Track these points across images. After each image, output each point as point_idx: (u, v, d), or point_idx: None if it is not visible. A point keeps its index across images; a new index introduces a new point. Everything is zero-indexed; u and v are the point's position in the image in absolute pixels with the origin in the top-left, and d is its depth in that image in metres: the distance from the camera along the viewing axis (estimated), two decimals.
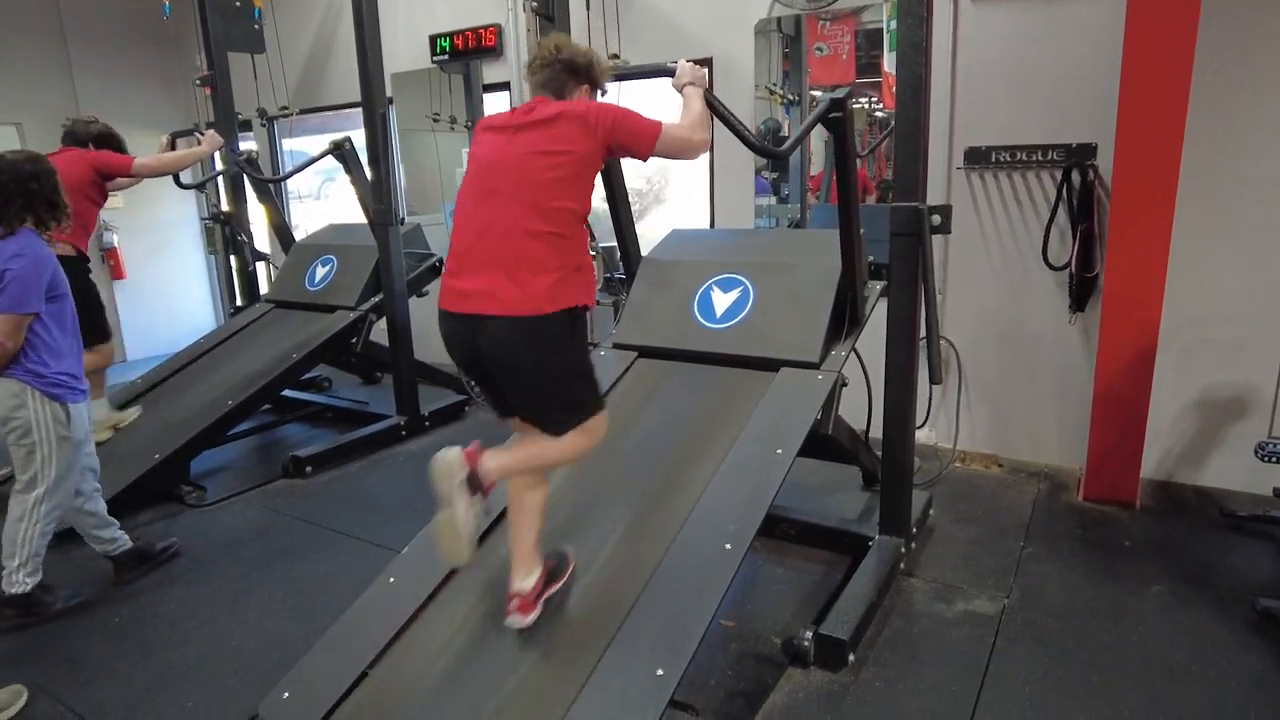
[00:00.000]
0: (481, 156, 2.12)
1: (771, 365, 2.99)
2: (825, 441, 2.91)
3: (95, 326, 3.75)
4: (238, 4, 5.07)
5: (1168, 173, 3.06)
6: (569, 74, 2.15)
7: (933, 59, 3.70)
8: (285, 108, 5.62)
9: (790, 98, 4.74)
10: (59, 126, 4.03)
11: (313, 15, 5.99)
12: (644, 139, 2.08)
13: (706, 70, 2.42)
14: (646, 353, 3.31)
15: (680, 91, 2.34)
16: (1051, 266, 3.70)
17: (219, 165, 5.13)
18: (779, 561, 3.13)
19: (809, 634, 2.45)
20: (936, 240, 3.73)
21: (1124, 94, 3.08)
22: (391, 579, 2.50)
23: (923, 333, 2.80)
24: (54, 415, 2.77)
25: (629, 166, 3.50)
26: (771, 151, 2.53)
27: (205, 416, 4.01)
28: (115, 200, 6.58)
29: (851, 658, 2.43)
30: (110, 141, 3.96)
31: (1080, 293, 3.65)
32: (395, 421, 4.63)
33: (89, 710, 2.39)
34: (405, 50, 5.44)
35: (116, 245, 6.91)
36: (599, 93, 2.27)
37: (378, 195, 4.30)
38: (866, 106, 4.34)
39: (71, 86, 6.41)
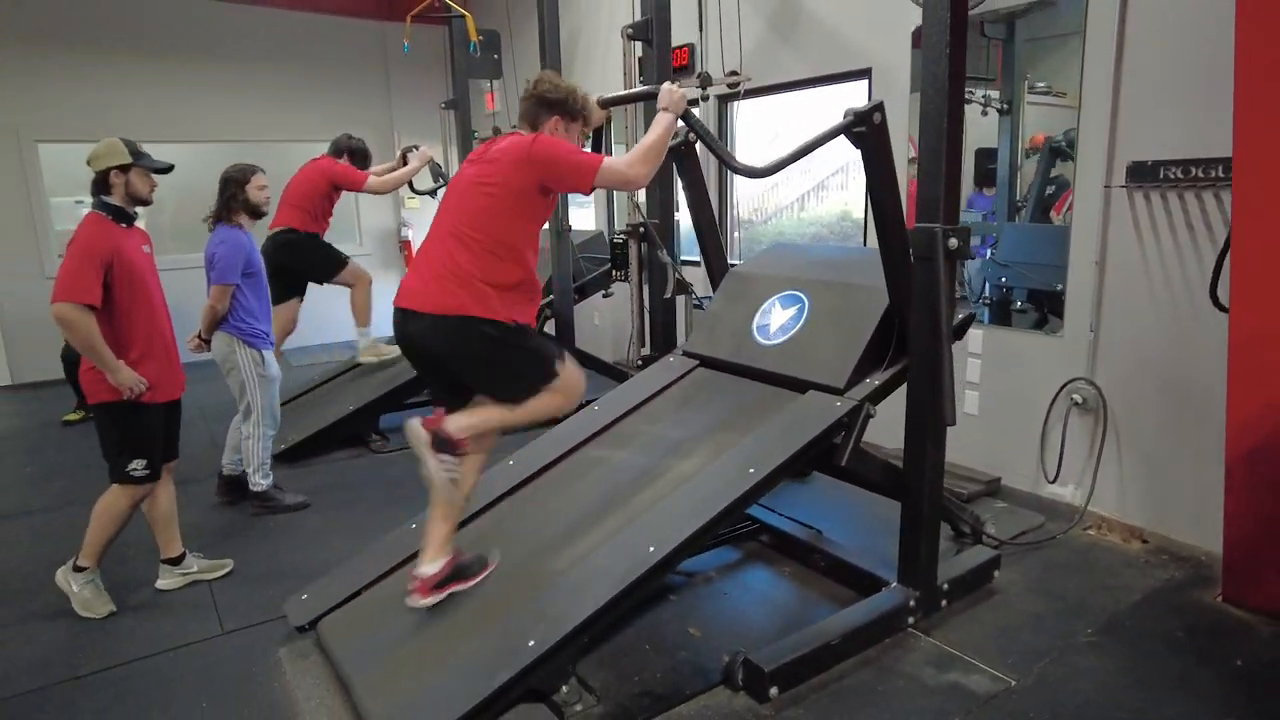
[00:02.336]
0: (453, 182, 2.48)
1: (801, 386, 2.93)
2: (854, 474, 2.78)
3: (335, 265, 4.91)
4: (481, 37, 6.01)
5: None
6: (541, 106, 2.42)
7: (1091, 57, 3.28)
8: (515, 127, 6.46)
9: (1000, 106, 4.36)
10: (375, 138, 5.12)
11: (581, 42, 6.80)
12: (579, 177, 2.29)
13: (685, 93, 2.48)
14: (706, 362, 3.40)
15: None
16: (1221, 307, 2.99)
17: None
18: (797, 589, 3.04)
19: (741, 657, 2.41)
20: (1087, 272, 3.29)
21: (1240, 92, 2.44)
22: (413, 525, 2.97)
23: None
24: (253, 358, 3.74)
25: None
26: (754, 171, 2.47)
27: (393, 381, 4.91)
28: (413, 202, 8.13)
29: (775, 691, 2.33)
30: (357, 155, 5.02)
31: None
32: None
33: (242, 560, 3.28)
34: (614, 74, 5.96)
35: (410, 239, 8.51)
36: (578, 124, 2.48)
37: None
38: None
39: (389, 107, 8.06)
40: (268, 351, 3.81)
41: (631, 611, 2.80)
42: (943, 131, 2.39)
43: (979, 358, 3.99)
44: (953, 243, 2.41)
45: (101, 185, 2.87)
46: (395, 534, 2.94)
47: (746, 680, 2.38)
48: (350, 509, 3.94)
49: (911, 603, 2.69)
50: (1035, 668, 2.49)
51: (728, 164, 2.46)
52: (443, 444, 2.36)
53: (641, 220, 3.49)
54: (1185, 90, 3.06)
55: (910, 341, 2.65)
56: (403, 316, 2.40)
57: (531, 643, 2.17)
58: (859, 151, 2.59)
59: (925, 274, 2.48)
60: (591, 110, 2.47)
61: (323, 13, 7.55)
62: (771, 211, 6.33)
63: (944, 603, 2.80)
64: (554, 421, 2.89)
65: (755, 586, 3.07)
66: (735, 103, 5.24)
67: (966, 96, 4.29)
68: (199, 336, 3.75)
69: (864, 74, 4.33)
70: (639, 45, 3.57)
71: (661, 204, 3.60)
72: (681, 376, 3.38)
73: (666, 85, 2.48)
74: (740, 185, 5.36)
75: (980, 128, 4.17)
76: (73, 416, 5.55)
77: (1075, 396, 3.52)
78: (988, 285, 4.24)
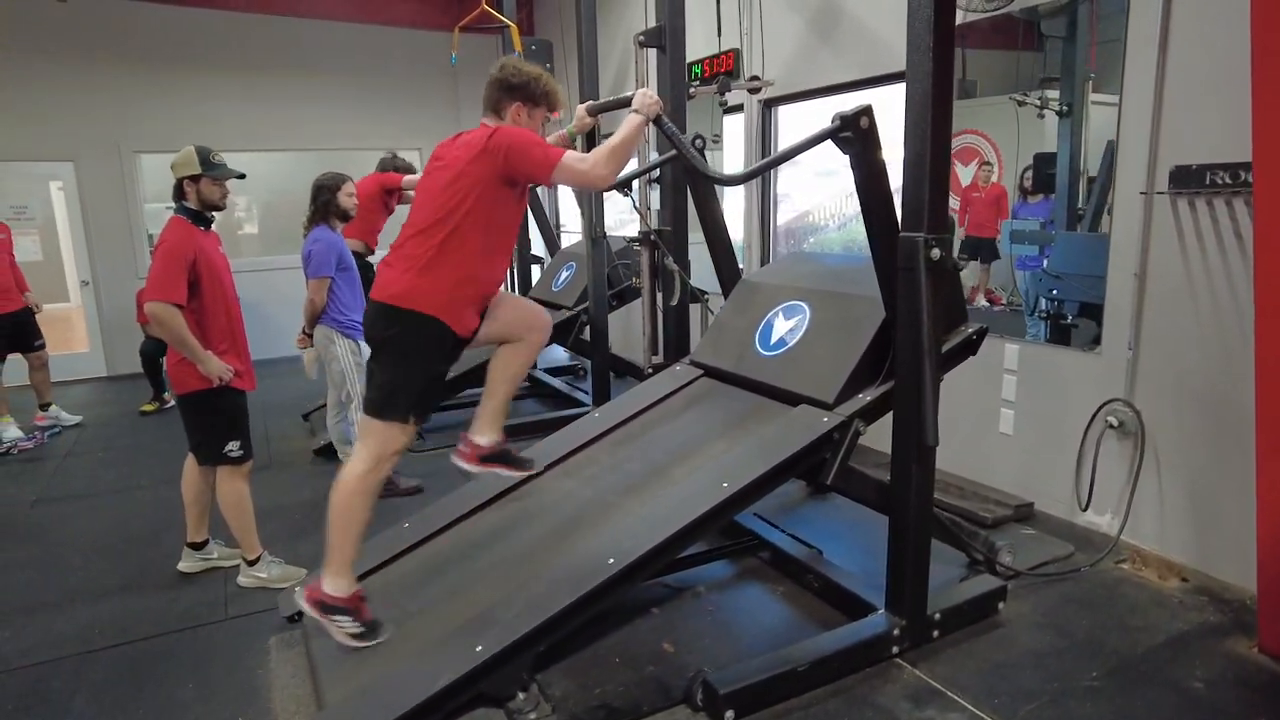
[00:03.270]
0: (420, 180, 2.53)
1: (793, 399, 2.84)
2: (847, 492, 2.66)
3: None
4: (533, 47, 6.11)
5: None
6: (503, 91, 2.43)
7: (1132, 52, 3.04)
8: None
9: (1059, 108, 4.11)
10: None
11: (609, 53, 6.86)
12: (539, 168, 2.28)
13: (658, 99, 2.43)
14: (710, 372, 3.34)
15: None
16: None
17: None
18: (787, 609, 2.93)
19: (701, 677, 2.34)
20: (1126, 285, 3.07)
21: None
22: (405, 525, 3.03)
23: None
24: (350, 348, 3.99)
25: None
26: (722, 179, 2.39)
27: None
28: None
29: (731, 715, 2.25)
30: (403, 173, 5.22)
31: None
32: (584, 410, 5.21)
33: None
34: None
35: None
36: (541, 109, 2.48)
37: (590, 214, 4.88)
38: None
39: (458, 115, 8.32)
40: (364, 342, 4.02)
41: (608, 622, 2.79)
42: (927, 135, 2.27)
43: (1014, 374, 3.75)
44: (935, 253, 2.28)
45: (179, 192, 3.06)
46: (387, 533, 3.01)
47: (705, 701, 2.31)
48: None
49: (896, 631, 2.55)
50: (1022, 710, 2.31)
51: (700, 170, 2.40)
52: (326, 608, 2.41)
53: (649, 229, 3.44)
54: (1234, 88, 2.78)
55: (895, 357, 2.52)
56: (370, 308, 2.46)
57: (479, 648, 2.18)
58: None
59: (908, 285, 2.36)
60: (554, 96, 2.46)
61: (395, 25, 7.87)
62: (850, 215, 6.15)
63: (936, 633, 2.64)
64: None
65: (744, 605, 2.98)
66: (778, 108, 5.14)
67: (1020, 99, 4.14)
68: (303, 332, 4.01)
69: (898, 77, 4.14)
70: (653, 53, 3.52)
71: (673, 211, 3.56)
72: (684, 386, 3.33)
73: (643, 90, 2.45)
74: (808, 190, 5.22)
75: (1039, 131, 3.94)
76: (148, 407, 5.98)
77: (1111, 419, 3.26)
78: (1040, 298, 4.00)
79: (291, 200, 3.83)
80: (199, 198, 3.04)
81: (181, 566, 3.32)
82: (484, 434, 2.75)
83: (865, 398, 2.67)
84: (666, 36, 3.43)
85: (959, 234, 4.22)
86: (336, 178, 4.02)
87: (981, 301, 4.16)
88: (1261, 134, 2.25)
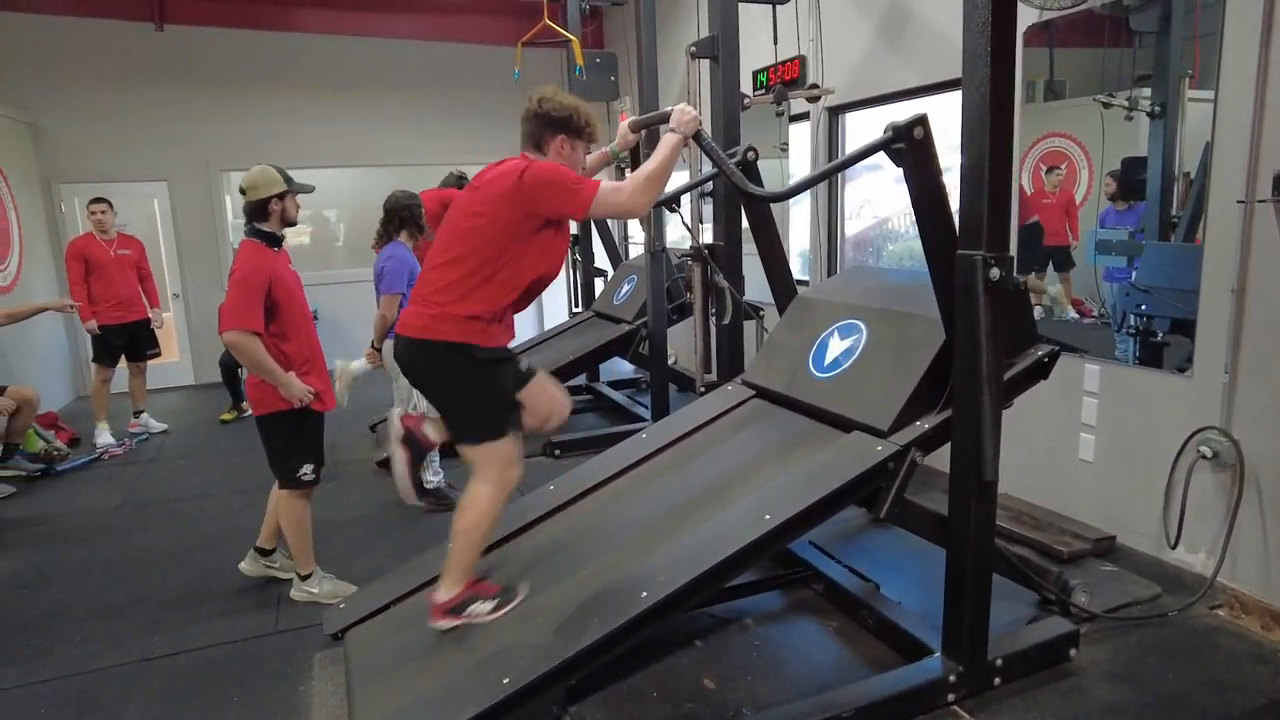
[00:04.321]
0: (450, 208, 2.50)
1: (846, 425, 2.70)
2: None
3: None
4: (598, 60, 6.11)
5: None
6: (546, 125, 2.38)
7: (1231, 44, 2.79)
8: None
9: (1151, 109, 3.82)
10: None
11: (675, 64, 6.80)
12: (574, 207, 2.22)
13: (696, 115, 2.34)
14: (761, 393, 3.22)
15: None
16: None
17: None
18: (839, 647, 2.78)
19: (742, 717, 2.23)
20: (1222, 301, 2.82)
21: None
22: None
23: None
24: None
25: None
26: (763, 195, 2.26)
27: None
28: None
29: None
30: (461, 183, 5.27)
31: None
32: (642, 425, 5.15)
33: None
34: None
35: None
36: (583, 142, 2.42)
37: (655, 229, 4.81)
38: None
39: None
40: None
41: (649, 653, 2.70)
42: (985, 145, 2.10)
43: (1095, 397, 3.48)
44: (994, 273, 2.11)
45: (259, 213, 3.08)
46: (432, 552, 3.01)
47: None
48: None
49: (952, 678, 2.37)
50: None
51: (739, 187, 2.30)
52: (413, 443, 2.44)
53: (700, 244, 3.34)
54: None
55: (954, 383, 2.35)
56: (397, 341, 2.45)
57: (506, 680, 2.13)
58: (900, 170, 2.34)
59: (966, 307, 2.19)
60: (595, 127, 2.41)
61: (466, 42, 8.03)
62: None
63: (997, 680, 2.44)
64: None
65: (793, 640, 2.84)
66: (845, 115, 4.97)
67: (1107, 100, 3.86)
68: (372, 346, 4.10)
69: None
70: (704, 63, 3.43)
71: (726, 225, 3.45)
72: (734, 407, 3.22)
73: (681, 106, 2.37)
74: (888, 195, 5.04)
75: (1129, 134, 3.66)
76: (227, 416, 6.24)
77: (1204, 449, 2.97)
78: (1129, 314, 3.71)
79: (367, 214, 3.97)
80: (283, 216, 3.10)
81: (242, 566, 3.40)
82: (443, 588, 2.50)
83: (923, 426, 2.51)
84: (719, 47, 3.34)
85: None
86: (413, 195, 4.18)
87: (1071, 313, 3.89)
88: None
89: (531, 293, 2.39)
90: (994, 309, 2.14)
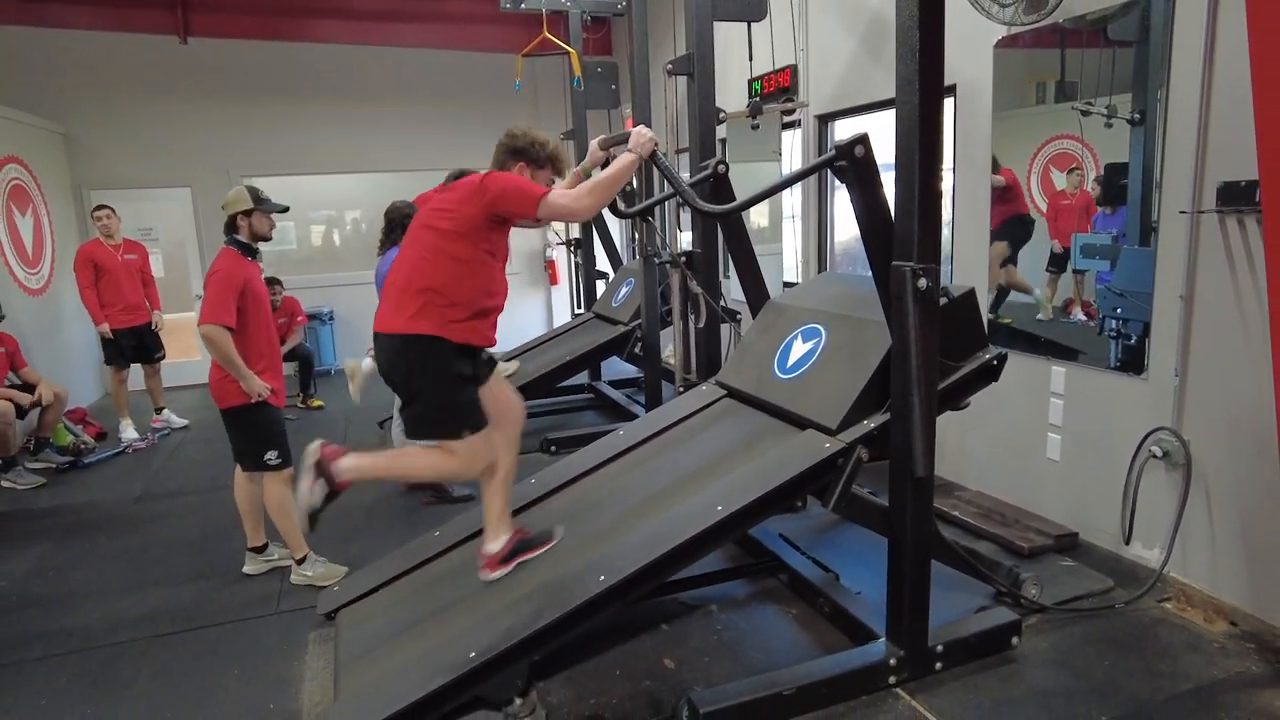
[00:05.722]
0: (417, 213, 2.70)
1: (801, 423, 2.86)
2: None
3: None
4: (599, 69, 6.30)
5: None
6: (508, 153, 2.61)
7: (1177, 61, 2.90)
8: None
9: (1131, 116, 3.91)
10: None
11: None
12: (525, 206, 2.42)
13: (652, 136, 2.52)
14: (731, 393, 3.39)
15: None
16: None
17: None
18: (795, 632, 2.95)
19: (687, 695, 2.40)
20: (1171, 307, 2.94)
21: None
22: (436, 533, 3.24)
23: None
24: None
25: None
26: (711, 211, 2.42)
27: None
28: (558, 225, 8.61)
29: None
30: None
31: None
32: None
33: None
34: (736, 92, 6.00)
35: (554, 258, 9.03)
36: (546, 170, 2.63)
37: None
38: None
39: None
40: None
41: (617, 634, 2.89)
42: (915, 165, 2.26)
43: (1061, 398, 3.60)
44: (922, 283, 2.26)
45: (231, 226, 3.44)
46: (420, 539, 3.23)
47: (688, 719, 2.37)
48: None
49: (893, 661, 2.53)
50: None
51: (689, 202, 2.47)
52: (324, 472, 2.57)
53: (676, 252, 3.52)
54: None
55: (890, 385, 2.50)
56: (375, 340, 2.65)
57: (472, 654, 2.33)
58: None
59: (898, 314, 2.35)
60: (560, 161, 2.61)
61: (478, 50, 8.26)
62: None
63: (938, 665, 2.59)
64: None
65: (753, 625, 3.01)
66: (834, 122, 5.11)
67: (1085, 108, 3.94)
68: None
69: (949, 91, 4.06)
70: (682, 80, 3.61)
71: (703, 233, 3.62)
72: (706, 406, 3.39)
73: (639, 128, 2.55)
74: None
75: (1110, 141, 3.73)
76: None
77: (1155, 449, 3.09)
78: (1107, 317, 3.79)
79: (382, 218, 4.28)
80: (250, 230, 3.40)
81: (246, 569, 3.64)
82: (490, 541, 2.74)
83: (869, 424, 2.66)
84: (695, 64, 3.51)
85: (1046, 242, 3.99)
86: (411, 205, 4.32)
87: (1079, 315, 3.93)
88: (1266, 148, 2.11)
89: (487, 313, 2.59)
90: (923, 316, 2.29)
